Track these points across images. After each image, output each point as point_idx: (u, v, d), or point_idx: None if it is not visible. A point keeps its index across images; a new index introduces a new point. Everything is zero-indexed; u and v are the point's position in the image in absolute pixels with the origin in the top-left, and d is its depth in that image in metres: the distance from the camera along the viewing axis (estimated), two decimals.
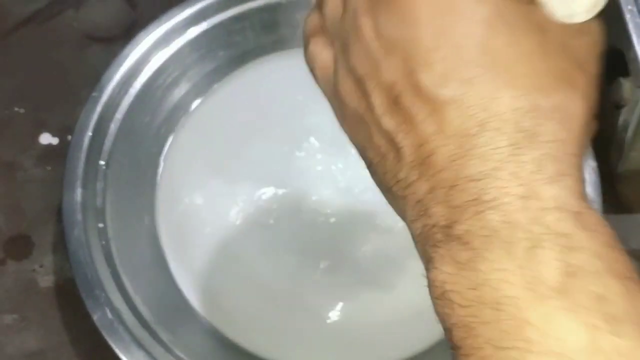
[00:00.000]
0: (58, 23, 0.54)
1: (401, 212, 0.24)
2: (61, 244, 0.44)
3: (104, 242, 0.40)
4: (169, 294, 0.41)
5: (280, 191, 0.46)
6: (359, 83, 0.24)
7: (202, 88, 0.48)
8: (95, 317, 0.38)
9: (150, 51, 0.46)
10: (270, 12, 0.48)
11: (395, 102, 0.23)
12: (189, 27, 0.47)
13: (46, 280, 0.45)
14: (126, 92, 0.45)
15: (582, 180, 0.22)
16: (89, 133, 0.43)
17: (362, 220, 0.45)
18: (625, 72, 0.40)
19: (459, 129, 0.22)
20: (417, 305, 0.41)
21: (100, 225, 0.41)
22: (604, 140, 0.45)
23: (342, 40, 0.25)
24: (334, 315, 0.43)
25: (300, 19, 0.44)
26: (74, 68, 0.53)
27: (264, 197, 0.45)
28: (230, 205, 0.45)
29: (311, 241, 0.45)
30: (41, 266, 0.46)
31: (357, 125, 0.25)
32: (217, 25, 0.48)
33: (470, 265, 0.21)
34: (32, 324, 0.44)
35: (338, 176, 0.46)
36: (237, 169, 0.46)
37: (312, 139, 0.47)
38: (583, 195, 0.22)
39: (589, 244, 0.20)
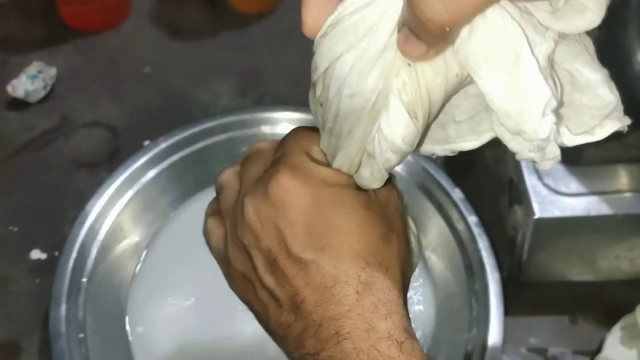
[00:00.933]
0: (50, 150, 0.63)
1: (284, 347, 0.32)
2: (47, 349, 0.49)
3: (83, 351, 0.47)
4: None
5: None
6: (245, 250, 0.33)
7: (172, 208, 0.56)
8: None
9: (129, 181, 0.54)
10: (229, 143, 0.57)
11: (272, 264, 0.32)
12: (164, 158, 0.56)
13: None
14: (105, 218, 0.52)
15: (406, 315, 0.31)
16: (74, 255, 0.50)
17: None
18: (519, 201, 0.49)
19: (320, 282, 0.31)
20: None
21: (81, 335, 0.48)
22: (511, 258, 0.53)
23: (232, 220, 0.34)
24: None
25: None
26: (63, 190, 0.60)
27: (224, 304, 0.52)
28: (199, 314, 0.52)
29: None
30: None
31: (244, 284, 0.34)
32: (190, 155, 0.57)
33: None
34: None
35: None
36: (198, 284, 0.53)
37: None
38: (406, 327, 0.30)
39: None
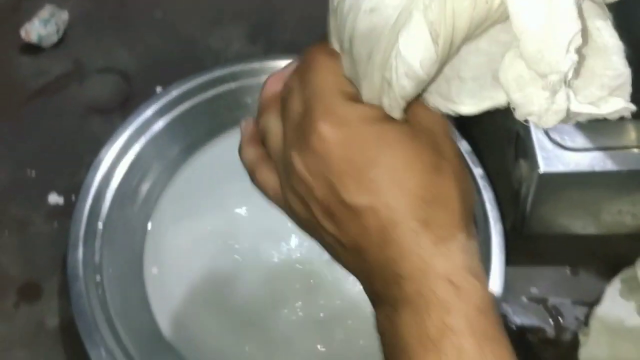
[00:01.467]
0: (64, 96, 0.64)
1: (360, 282, 0.33)
2: (66, 291, 0.51)
3: (100, 292, 0.49)
4: (152, 333, 0.50)
5: (256, 240, 0.54)
6: (302, 199, 0.32)
7: (186, 155, 0.57)
8: (92, 356, 0.47)
9: (141, 128, 0.55)
10: (240, 92, 0.58)
11: (329, 212, 0.31)
12: (175, 106, 0.57)
13: (52, 321, 0.53)
14: (118, 165, 0.54)
15: (469, 251, 0.30)
16: (89, 200, 0.52)
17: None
18: (524, 155, 0.49)
19: (377, 225, 0.30)
20: None
21: (98, 278, 0.50)
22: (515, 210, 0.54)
23: (284, 168, 0.33)
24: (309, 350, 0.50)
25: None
26: (78, 136, 0.61)
27: (240, 244, 0.53)
28: (208, 254, 0.53)
29: (285, 283, 0.52)
30: (49, 309, 0.54)
31: (309, 228, 0.34)
32: (201, 103, 0.57)
33: (393, 320, 0.30)
34: (40, 358, 0.53)
35: None
36: (215, 223, 0.55)
37: None
38: (470, 265, 0.29)
39: (463, 310, 0.28)
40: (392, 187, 0.30)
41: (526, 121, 0.28)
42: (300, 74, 0.32)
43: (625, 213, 0.52)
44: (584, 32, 0.26)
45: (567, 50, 0.25)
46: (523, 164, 0.49)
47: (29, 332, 0.53)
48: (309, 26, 0.67)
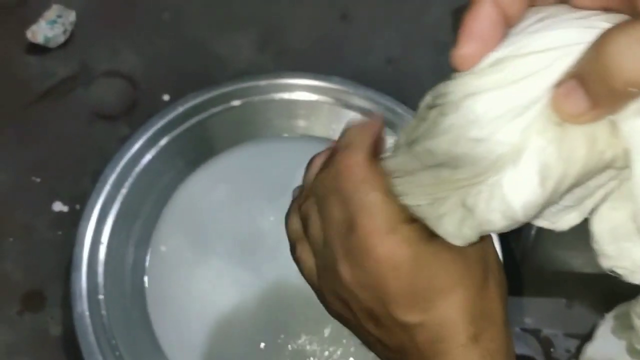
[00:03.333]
0: (70, 99, 0.63)
1: None
2: (69, 300, 0.52)
3: (103, 312, 0.50)
4: (154, 354, 0.51)
5: (261, 259, 0.54)
6: (344, 301, 0.33)
7: (188, 172, 0.57)
8: None
9: (147, 145, 0.55)
10: (244, 109, 0.57)
11: (375, 320, 0.32)
12: (181, 122, 0.57)
13: (56, 330, 0.55)
14: (124, 180, 0.54)
15: (509, 356, 0.31)
16: (94, 219, 0.52)
17: None
18: None
19: (426, 339, 0.31)
20: None
21: (101, 296, 0.51)
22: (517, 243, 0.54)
23: (324, 267, 0.33)
24: None
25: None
26: (83, 142, 0.61)
27: (245, 262, 0.54)
28: (212, 272, 0.53)
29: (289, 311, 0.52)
30: (52, 317, 0.55)
31: (344, 321, 0.34)
32: (207, 119, 0.57)
33: None
34: None
35: None
36: (219, 241, 0.55)
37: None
38: None
39: None
40: (445, 306, 0.31)
41: (612, 271, 0.27)
42: (340, 181, 0.32)
43: None
44: None
45: None
46: None
47: (33, 340, 0.55)
48: (318, 35, 0.66)
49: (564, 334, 0.56)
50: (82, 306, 0.49)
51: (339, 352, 0.51)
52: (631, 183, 0.25)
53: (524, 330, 0.56)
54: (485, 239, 0.31)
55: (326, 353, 0.51)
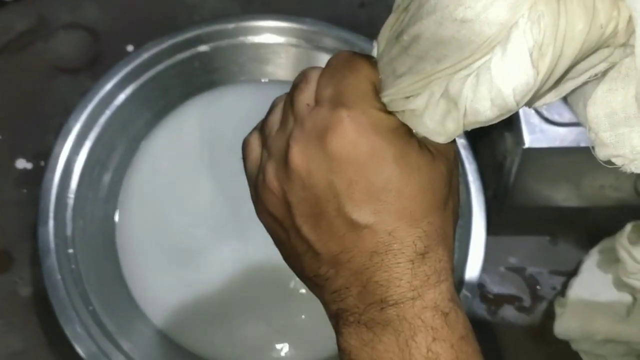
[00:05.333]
0: (28, 54, 0.60)
1: (317, 294, 0.31)
2: (38, 258, 0.50)
3: (73, 266, 0.48)
4: (128, 308, 0.49)
5: (228, 211, 0.53)
6: (282, 194, 0.29)
7: (155, 121, 0.55)
8: (66, 331, 0.46)
9: (111, 93, 0.53)
10: (213, 54, 0.55)
11: (315, 217, 0.29)
12: (145, 70, 0.54)
13: (26, 290, 0.53)
14: (89, 131, 0.51)
15: (453, 282, 0.29)
16: (59, 172, 0.50)
17: None
18: (510, 128, 0.48)
19: (370, 247, 0.28)
20: None
21: (70, 250, 0.48)
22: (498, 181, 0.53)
23: (272, 151, 0.30)
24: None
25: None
26: (45, 97, 0.59)
27: (213, 214, 0.53)
28: (181, 223, 0.52)
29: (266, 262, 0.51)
30: (21, 278, 0.53)
31: (274, 225, 0.31)
32: (173, 66, 0.55)
33: (370, 344, 0.28)
34: (15, 328, 0.52)
35: None
36: (188, 192, 0.53)
37: None
38: (453, 295, 0.29)
39: (449, 337, 0.28)
40: (399, 213, 0.28)
41: (608, 162, 0.25)
42: (330, 61, 0.29)
43: (607, 187, 0.51)
44: None
45: None
46: (508, 137, 0.48)
47: (2, 301, 0.52)
48: None
49: (549, 271, 0.55)
50: (51, 260, 0.47)
51: None
52: (636, 56, 0.23)
53: (509, 269, 0.55)
54: (454, 159, 0.30)
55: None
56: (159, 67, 0.54)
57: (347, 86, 0.28)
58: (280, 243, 0.31)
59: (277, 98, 0.32)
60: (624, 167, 0.26)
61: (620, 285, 0.51)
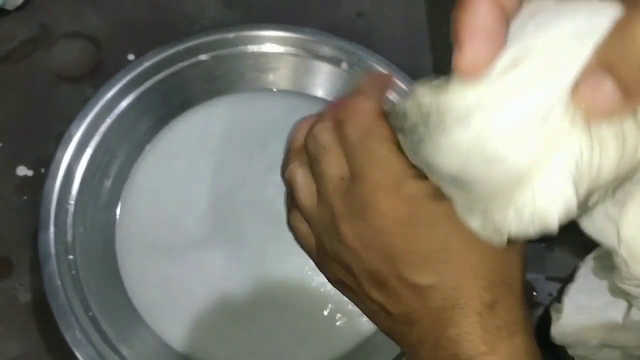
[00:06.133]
0: (31, 63, 0.61)
1: (399, 345, 0.31)
2: (38, 265, 0.50)
3: (74, 272, 0.48)
4: (128, 314, 0.50)
5: (231, 217, 0.53)
6: (345, 265, 0.30)
7: (156, 129, 0.56)
8: (67, 336, 0.46)
9: (113, 101, 0.53)
10: (213, 63, 0.56)
11: (381, 284, 0.29)
12: (147, 79, 0.54)
13: (25, 297, 0.53)
14: (90, 138, 0.52)
15: (530, 333, 0.29)
16: (60, 178, 0.50)
17: None
18: None
19: (438, 305, 0.28)
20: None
21: (71, 257, 0.49)
22: None
23: (322, 228, 0.30)
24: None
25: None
26: (46, 105, 0.59)
27: (215, 222, 0.53)
28: (182, 231, 0.52)
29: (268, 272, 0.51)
30: (21, 284, 0.53)
31: (344, 289, 0.31)
32: (173, 75, 0.55)
33: None
34: (14, 334, 0.52)
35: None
36: (189, 200, 0.54)
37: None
38: (530, 346, 0.28)
39: None
40: (459, 269, 0.28)
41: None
42: (346, 131, 0.29)
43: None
44: None
45: None
46: None
47: (1, 307, 0.53)
48: None
49: (545, 278, 0.55)
50: (52, 266, 0.48)
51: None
52: None
53: None
54: None
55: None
56: (160, 76, 0.55)
57: (368, 154, 0.28)
58: (355, 303, 0.32)
59: (288, 173, 0.32)
60: None
61: (616, 291, 0.51)
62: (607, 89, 0.22)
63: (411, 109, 0.25)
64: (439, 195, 0.28)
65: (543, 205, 0.24)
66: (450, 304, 0.28)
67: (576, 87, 0.22)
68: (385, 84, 0.31)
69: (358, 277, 0.30)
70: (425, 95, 0.24)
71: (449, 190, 0.27)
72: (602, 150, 0.23)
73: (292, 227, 0.33)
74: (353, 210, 0.29)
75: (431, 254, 0.28)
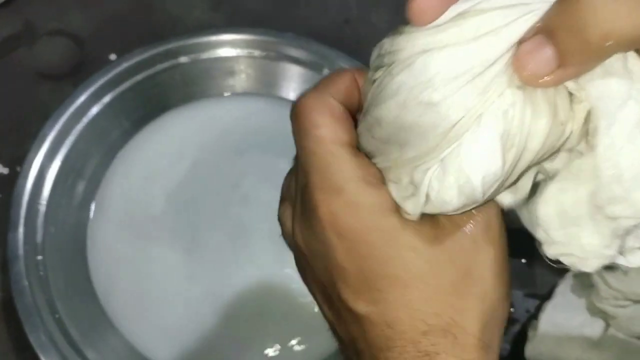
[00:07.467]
0: (12, 59, 0.60)
1: None
2: (7, 266, 0.49)
3: (42, 273, 0.48)
4: (96, 317, 0.49)
5: (204, 221, 0.53)
6: (303, 273, 0.28)
7: (133, 131, 0.55)
8: (31, 338, 0.46)
9: (90, 101, 0.53)
10: (193, 66, 0.55)
11: (329, 299, 0.26)
12: (125, 79, 0.54)
13: None
14: (65, 138, 0.51)
15: None
16: (32, 178, 0.49)
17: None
18: None
19: (373, 341, 0.25)
20: None
21: (39, 257, 0.48)
22: None
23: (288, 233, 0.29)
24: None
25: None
26: (26, 103, 0.59)
27: (189, 226, 0.52)
28: (153, 235, 0.51)
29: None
30: None
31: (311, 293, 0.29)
32: (153, 76, 0.55)
33: None
34: None
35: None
36: (163, 203, 0.53)
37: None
38: None
39: None
40: (396, 305, 0.24)
41: (556, 262, 0.25)
42: (294, 126, 0.26)
43: None
44: None
45: None
46: None
47: None
48: None
49: (524, 294, 0.55)
50: (19, 266, 0.47)
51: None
52: (595, 154, 0.23)
53: None
54: (468, 226, 0.25)
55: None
56: (138, 77, 0.54)
57: (317, 158, 0.25)
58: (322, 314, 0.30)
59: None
60: (572, 266, 0.25)
61: (593, 310, 0.50)
62: (545, 55, 0.21)
63: (375, 57, 0.26)
64: (388, 206, 0.25)
65: (466, 161, 0.23)
66: (385, 344, 0.25)
67: (516, 49, 0.22)
68: (345, 80, 0.27)
69: (311, 286, 0.28)
70: (386, 41, 0.25)
71: (385, 153, 0.25)
72: (533, 115, 0.22)
73: (280, 217, 0.31)
74: (302, 214, 0.26)
75: (369, 278, 0.25)
